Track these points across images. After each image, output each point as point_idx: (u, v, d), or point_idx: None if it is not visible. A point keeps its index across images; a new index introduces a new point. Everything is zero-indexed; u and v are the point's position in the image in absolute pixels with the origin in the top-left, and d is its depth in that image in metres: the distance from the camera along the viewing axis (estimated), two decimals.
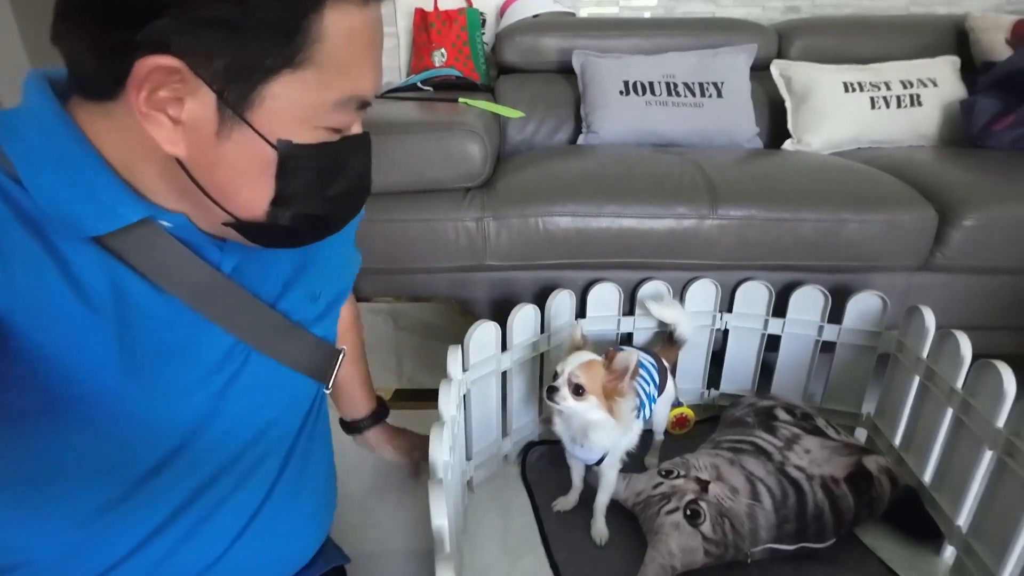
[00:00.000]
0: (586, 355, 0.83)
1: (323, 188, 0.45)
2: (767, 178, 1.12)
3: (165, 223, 0.45)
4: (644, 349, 1.02)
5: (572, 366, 0.81)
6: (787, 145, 1.49)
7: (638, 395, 0.90)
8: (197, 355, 0.48)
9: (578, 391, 0.80)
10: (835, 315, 1.08)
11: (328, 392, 0.65)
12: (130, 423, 0.45)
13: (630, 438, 0.91)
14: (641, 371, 0.95)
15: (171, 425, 0.48)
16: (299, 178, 0.43)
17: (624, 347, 1.00)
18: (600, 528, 0.91)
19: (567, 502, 0.97)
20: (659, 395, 0.99)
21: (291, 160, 0.42)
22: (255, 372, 0.53)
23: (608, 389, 0.80)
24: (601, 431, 0.83)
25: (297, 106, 0.40)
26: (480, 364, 0.94)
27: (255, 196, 0.43)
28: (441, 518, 0.56)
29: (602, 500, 0.91)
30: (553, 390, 0.80)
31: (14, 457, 0.42)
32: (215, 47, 0.37)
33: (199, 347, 0.49)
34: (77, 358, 0.41)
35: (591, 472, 0.94)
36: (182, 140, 0.39)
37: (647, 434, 1.03)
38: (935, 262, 1.09)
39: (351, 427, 0.93)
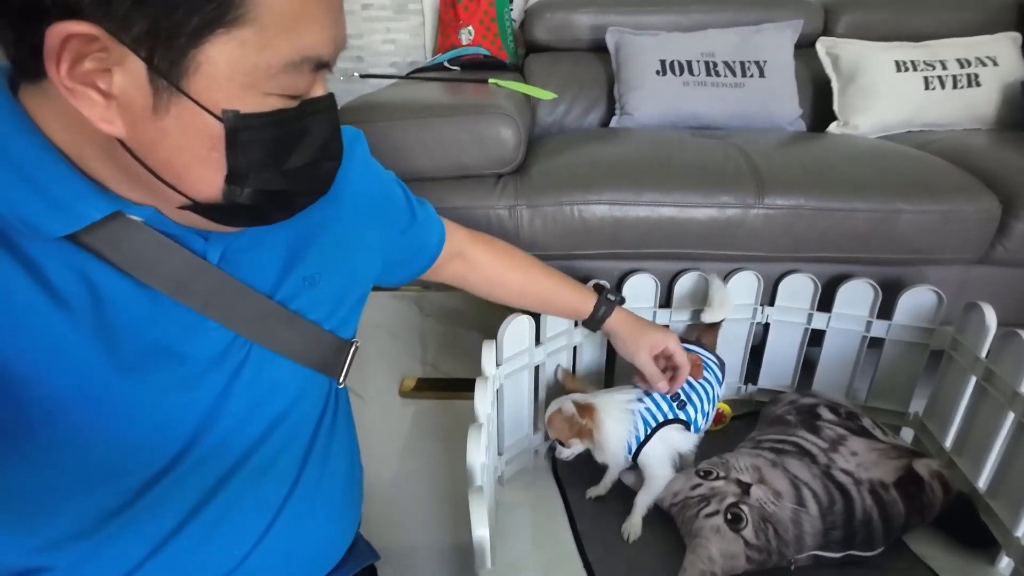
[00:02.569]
0: (551, 407, 0.89)
1: (282, 161, 0.41)
2: (816, 164, 1.06)
3: (136, 216, 0.42)
4: (697, 343, 0.98)
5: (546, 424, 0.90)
6: (833, 128, 1.42)
7: (689, 403, 0.90)
8: (192, 351, 0.46)
9: (560, 443, 0.88)
10: (883, 310, 1.03)
11: (341, 386, 0.63)
12: (130, 425, 0.43)
13: (676, 441, 0.88)
14: (706, 372, 0.93)
15: (174, 425, 0.46)
16: (252, 152, 0.39)
17: (685, 346, 0.95)
18: (634, 523, 0.88)
19: (600, 488, 0.96)
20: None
21: (240, 132, 0.38)
22: (258, 367, 0.50)
23: (579, 432, 0.86)
24: (597, 453, 0.88)
25: (238, 71, 0.36)
26: (513, 358, 0.91)
27: (207, 175, 0.39)
28: (483, 528, 0.54)
29: (642, 498, 0.89)
30: (553, 448, 0.91)
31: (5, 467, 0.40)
32: (132, 8, 0.33)
33: (192, 342, 0.46)
34: (57, 364, 0.39)
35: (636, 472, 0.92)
36: (117, 117, 0.36)
37: None
38: (995, 255, 1.03)
39: (593, 327, 0.88)
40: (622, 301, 0.87)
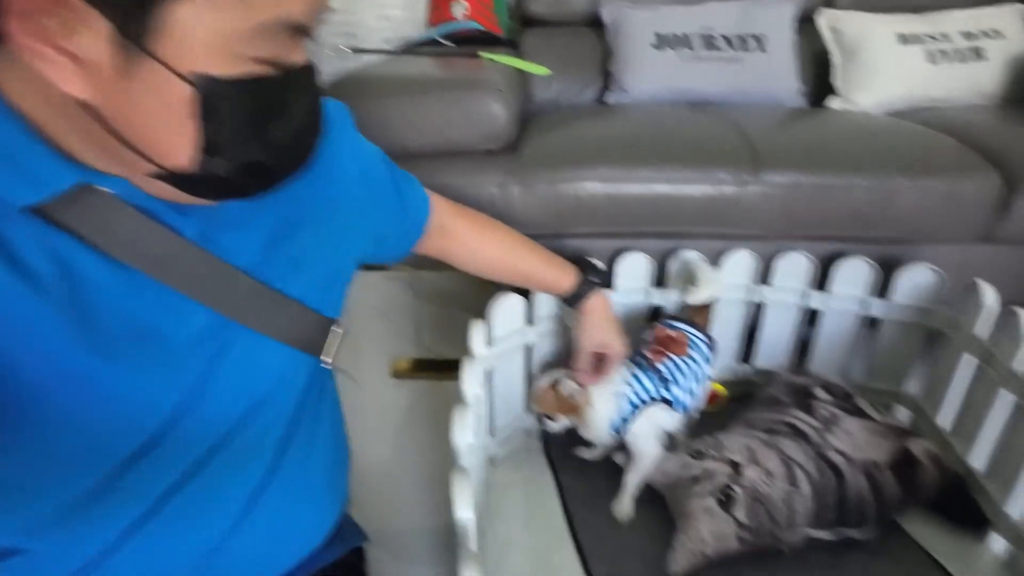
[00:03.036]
0: (543, 380, 0.89)
1: (260, 131, 0.39)
2: (815, 141, 1.03)
3: (106, 188, 0.40)
4: (686, 321, 0.96)
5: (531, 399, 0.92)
6: (833, 104, 1.38)
7: (674, 382, 0.89)
8: (170, 330, 0.45)
9: (548, 418, 0.89)
10: (880, 289, 1.01)
11: (327, 366, 0.61)
12: (108, 407, 0.42)
13: (662, 420, 0.87)
14: (691, 351, 0.91)
15: (154, 406, 0.45)
16: (228, 120, 0.37)
17: (669, 322, 0.95)
18: (624, 504, 0.88)
19: (590, 452, 0.97)
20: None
21: (214, 99, 0.36)
22: (241, 347, 0.49)
23: (567, 408, 0.86)
24: (584, 430, 0.88)
25: (210, 32, 0.34)
26: (505, 339, 0.89)
27: (179, 143, 0.37)
28: (466, 510, 0.53)
29: (631, 478, 0.88)
30: (540, 420, 0.91)
31: None
32: None
33: (172, 322, 0.45)
34: (31, 346, 0.37)
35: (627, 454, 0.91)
36: (83, 80, 0.34)
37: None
38: (997, 234, 1.01)
39: (571, 305, 0.87)
40: (606, 284, 0.86)
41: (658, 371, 0.89)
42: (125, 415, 0.44)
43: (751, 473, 0.81)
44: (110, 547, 0.45)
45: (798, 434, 0.89)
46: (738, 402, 1.10)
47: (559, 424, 0.89)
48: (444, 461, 0.62)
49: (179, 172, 0.39)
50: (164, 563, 0.47)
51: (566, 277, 0.84)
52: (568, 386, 0.85)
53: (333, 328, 0.60)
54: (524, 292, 0.91)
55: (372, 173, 0.64)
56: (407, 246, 0.74)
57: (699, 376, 0.92)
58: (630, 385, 0.87)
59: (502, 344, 0.89)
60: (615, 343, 0.86)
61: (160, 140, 0.37)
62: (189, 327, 0.46)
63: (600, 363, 0.88)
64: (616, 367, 0.87)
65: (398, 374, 1.25)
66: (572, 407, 0.86)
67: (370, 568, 0.80)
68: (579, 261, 0.86)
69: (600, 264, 0.86)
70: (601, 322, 0.85)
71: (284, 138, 0.41)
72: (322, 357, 0.59)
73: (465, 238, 0.80)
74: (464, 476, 0.55)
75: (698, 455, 0.86)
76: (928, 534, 0.85)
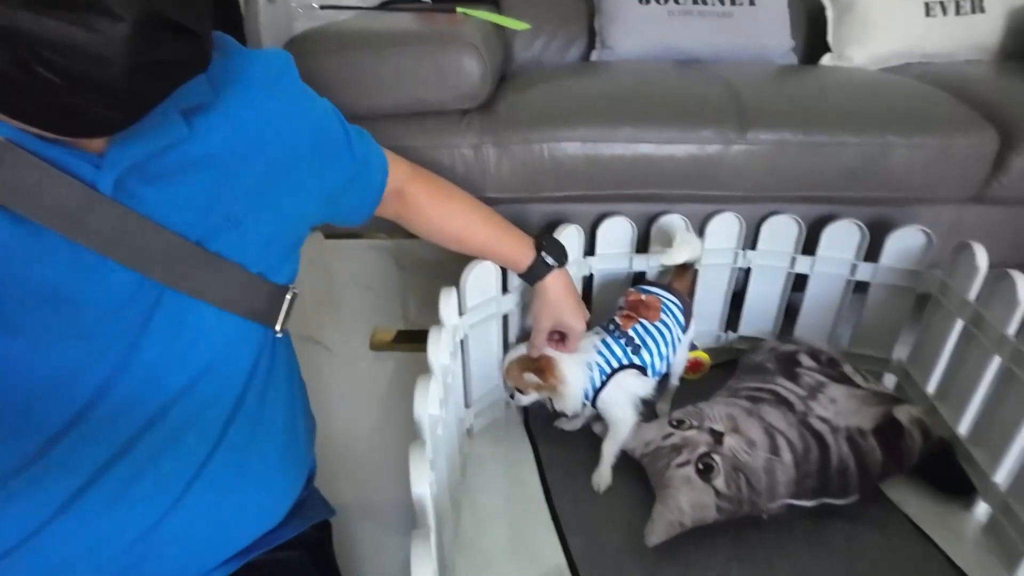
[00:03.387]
0: (512, 354, 0.87)
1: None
2: (805, 98, 0.98)
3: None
4: (663, 286, 0.93)
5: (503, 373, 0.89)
6: (826, 60, 1.33)
7: (644, 347, 0.86)
8: (88, 296, 0.41)
9: (519, 391, 0.87)
10: (870, 252, 0.98)
11: (279, 335, 0.57)
12: (22, 382, 0.38)
13: (633, 387, 0.85)
14: (664, 315, 0.89)
15: (75, 378, 0.42)
16: None
17: (643, 288, 0.92)
18: (603, 473, 0.86)
19: (569, 423, 0.95)
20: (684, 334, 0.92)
21: None
22: (173, 313, 0.45)
23: (539, 383, 0.83)
24: (557, 401, 0.86)
25: None
26: (479, 307, 0.86)
27: None
28: (422, 486, 0.50)
29: (608, 447, 0.87)
30: (511, 395, 0.89)
31: None
32: None
33: (89, 287, 0.41)
34: None
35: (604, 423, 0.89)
36: None
37: (661, 380, 0.96)
38: (990, 193, 0.97)
39: (528, 281, 0.83)
40: (562, 263, 0.81)
41: (628, 337, 0.86)
42: (43, 390, 0.41)
43: (732, 442, 0.79)
44: (42, 525, 0.42)
45: (781, 402, 0.87)
46: (722, 369, 1.08)
47: (529, 397, 0.87)
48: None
49: None
50: (101, 541, 0.44)
51: (523, 255, 0.80)
52: (530, 378, 0.83)
53: (287, 296, 0.57)
54: None
55: (322, 129, 0.59)
56: (365, 210, 0.70)
57: (673, 342, 0.89)
58: (600, 353, 0.84)
59: (476, 313, 0.86)
60: (573, 323, 0.82)
61: None
62: (111, 293, 0.42)
63: (562, 339, 0.85)
64: (578, 344, 0.84)
65: (377, 346, 1.22)
66: (543, 383, 0.83)
67: (348, 539, 0.78)
68: (541, 236, 0.81)
69: (556, 242, 0.82)
70: (558, 302, 0.81)
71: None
72: (273, 326, 0.56)
73: (423, 208, 0.75)
74: (421, 450, 0.52)
75: (679, 424, 0.84)
76: (911, 501, 0.84)
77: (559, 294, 0.81)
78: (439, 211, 0.77)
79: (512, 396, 0.89)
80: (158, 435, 0.47)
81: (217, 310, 0.49)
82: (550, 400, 0.87)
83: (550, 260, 0.80)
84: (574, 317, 0.82)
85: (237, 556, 0.54)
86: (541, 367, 0.83)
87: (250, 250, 0.51)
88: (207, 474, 0.49)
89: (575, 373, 0.83)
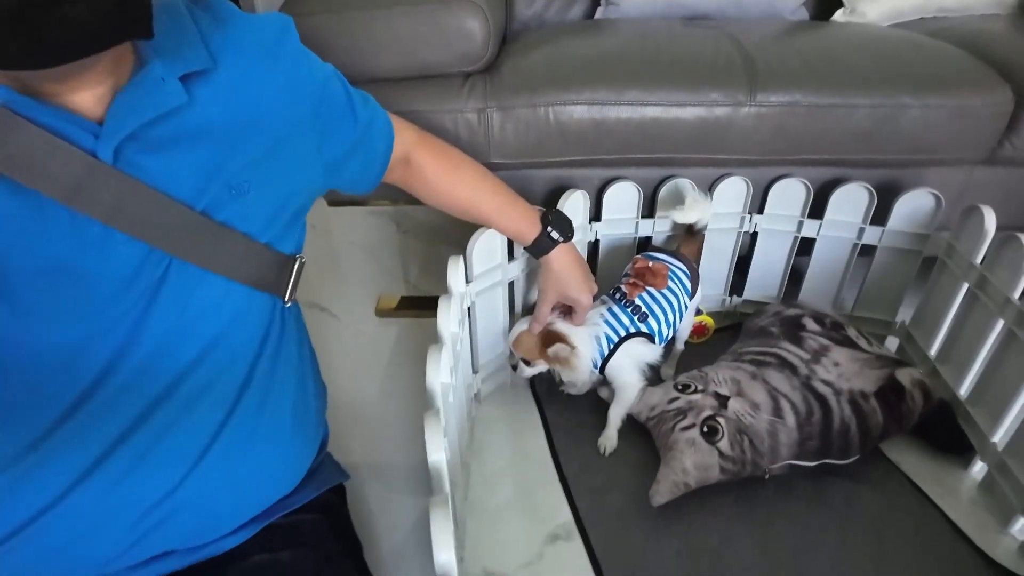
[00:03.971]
0: (518, 326, 0.87)
1: None
2: (816, 57, 0.96)
3: None
4: (670, 252, 0.93)
5: (509, 344, 0.89)
6: (838, 16, 1.29)
7: (651, 315, 0.87)
8: (96, 269, 0.41)
9: (526, 362, 0.87)
10: (876, 215, 0.97)
11: (287, 305, 0.58)
12: (33, 358, 0.39)
13: (640, 353, 0.85)
14: (671, 282, 0.89)
15: (87, 352, 0.42)
16: None
17: (650, 254, 0.92)
18: (609, 436, 0.88)
19: (576, 388, 0.96)
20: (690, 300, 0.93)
21: None
22: (181, 284, 0.45)
23: (548, 358, 0.84)
24: (565, 374, 0.87)
25: None
26: (485, 275, 0.86)
27: None
28: (438, 452, 0.51)
29: (614, 411, 0.88)
30: (514, 367, 0.89)
31: None
32: None
33: (97, 259, 0.41)
34: None
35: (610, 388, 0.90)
36: None
37: (666, 344, 0.97)
38: (1002, 154, 0.95)
39: (536, 256, 0.82)
40: (568, 237, 0.80)
41: (635, 305, 0.86)
42: (55, 364, 0.42)
43: (736, 405, 0.81)
44: (60, 495, 0.43)
45: (785, 365, 0.88)
46: (726, 333, 1.09)
47: (533, 369, 0.87)
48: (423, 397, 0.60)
49: None
50: (120, 509, 0.45)
51: (529, 228, 0.79)
52: (559, 350, 0.82)
53: (294, 265, 0.57)
54: None
55: (325, 94, 0.58)
56: (372, 176, 0.69)
57: (679, 308, 0.89)
58: (607, 323, 0.85)
59: (482, 280, 0.86)
60: (580, 297, 0.82)
61: None
62: (119, 265, 0.42)
63: (568, 312, 0.85)
64: (585, 317, 0.84)
65: (382, 312, 1.23)
66: (557, 360, 0.84)
67: (359, 502, 0.81)
68: (547, 210, 0.80)
69: (562, 216, 0.80)
70: (564, 276, 0.81)
71: None
72: (282, 295, 0.56)
73: (430, 176, 0.74)
74: (436, 418, 0.53)
75: (684, 389, 0.85)
76: (910, 460, 0.86)
77: (565, 268, 0.81)
78: (446, 180, 0.75)
79: (516, 368, 0.89)
80: (172, 405, 0.47)
81: (226, 281, 0.49)
82: (556, 373, 0.88)
83: (555, 235, 0.79)
84: (581, 291, 0.82)
85: (256, 520, 0.56)
86: (555, 340, 0.82)
87: (256, 220, 0.51)
88: (222, 441, 0.50)
89: (584, 346, 0.83)
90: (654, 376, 0.96)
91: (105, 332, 0.44)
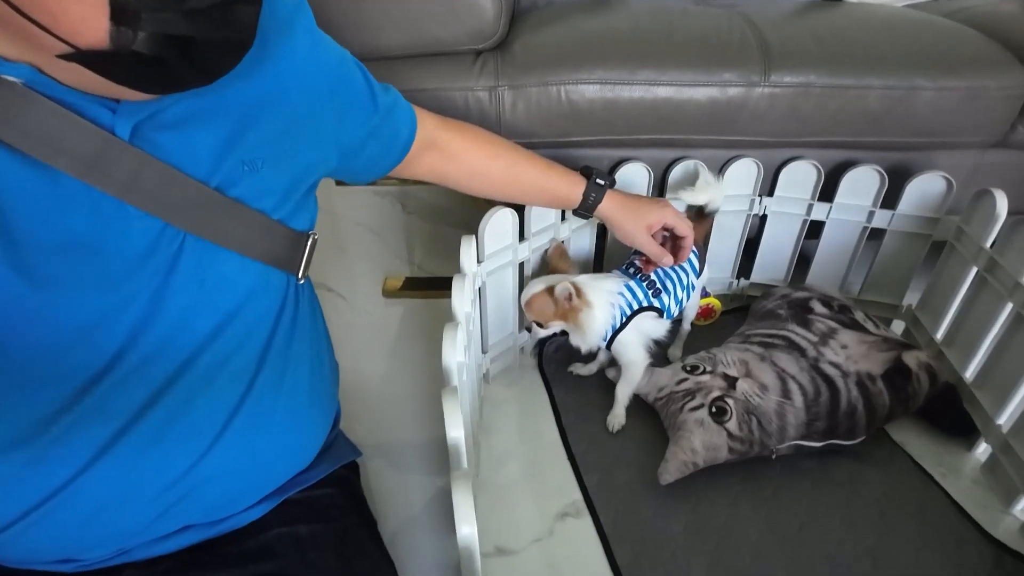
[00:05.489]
0: (534, 287, 0.85)
1: None
2: (831, 37, 0.95)
3: (12, 77, 0.35)
4: None
5: (522, 306, 0.87)
6: None
7: (664, 291, 0.87)
8: (113, 244, 0.41)
9: (540, 325, 0.85)
10: (886, 199, 0.97)
11: (301, 281, 0.58)
12: (51, 332, 0.39)
13: (648, 329, 0.86)
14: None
15: (105, 326, 0.42)
16: None
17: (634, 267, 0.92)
18: (617, 414, 0.89)
19: (585, 368, 0.98)
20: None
21: None
22: (197, 261, 0.46)
23: (563, 313, 0.83)
24: (576, 335, 0.86)
25: None
26: (496, 255, 0.86)
27: (87, 12, 0.32)
28: (457, 429, 0.52)
29: (622, 389, 0.89)
30: (528, 328, 0.88)
31: None
32: None
33: (113, 234, 0.41)
34: None
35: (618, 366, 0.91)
36: None
37: (673, 326, 0.98)
38: (1014, 138, 0.95)
39: (585, 214, 0.82)
40: (612, 183, 0.80)
41: (649, 280, 0.87)
42: (73, 339, 0.42)
43: (744, 386, 0.81)
44: (79, 470, 0.44)
45: (793, 347, 0.89)
46: (732, 315, 1.10)
47: (547, 330, 0.86)
48: (437, 376, 0.61)
49: (91, 50, 0.33)
50: (140, 483, 0.46)
51: (575, 187, 0.78)
52: (563, 288, 0.80)
53: (307, 242, 0.57)
54: (516, 206, 0.87)
55: (342, 77, 0.57)
56: (388, 163, 0.68)
57: (687, 287, 0.89)
58: (622, 294, 0.85)
59: (493, 260, 0.86)
60: (661, 215, 0.80)
61: (66, 10, 0.32)
62: (135, 240, 0.42)
63: (669, 240, 0.85)
64: (685, 228, 0.82)
65: (389, 293, 1.23)
66: (568, 313, 0.82)
67: (369, 480, 0.82)
68: (580, 170, 0.80)
69: (594, 168, 0.80)
70: (631, 213, 0.79)
71: (214, 8, 0.35)
72: (295, 272, 0.56)
73: (463, 155, 0.73)
74: (454, 396, 0.54)
75: (692, 370, 0.86)
76: (914, 441, 0.87)
77: (626, 206, 0.80)
78: (481, 156, 0.74)
79: (529, 330, 0.88)
80: (191, 380, 0.48)
81: (240, 257, 0.49)
82: (567, 334, 0.88)
83: (601, 181, 0.78)
84: (657, 208, 0.80)
85: (274, 494, 0.56)
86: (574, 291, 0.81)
87: (272, 198, 0.51)
88: (242, 415, 0.50)
89: (602, 307, 0.82)
90: (660, 353, 0.97)
91: (123, 307, 0.44)
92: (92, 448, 0.44)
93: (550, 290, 0.82)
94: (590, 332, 0.83)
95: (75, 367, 0.43)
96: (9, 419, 0.41)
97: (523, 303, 0.87)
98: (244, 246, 0.49)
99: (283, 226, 0.53)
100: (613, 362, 0.92)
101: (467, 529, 0.44)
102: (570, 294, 0.80)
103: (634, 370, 0.88)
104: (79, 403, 0.43)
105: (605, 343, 0.87)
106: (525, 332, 1.00)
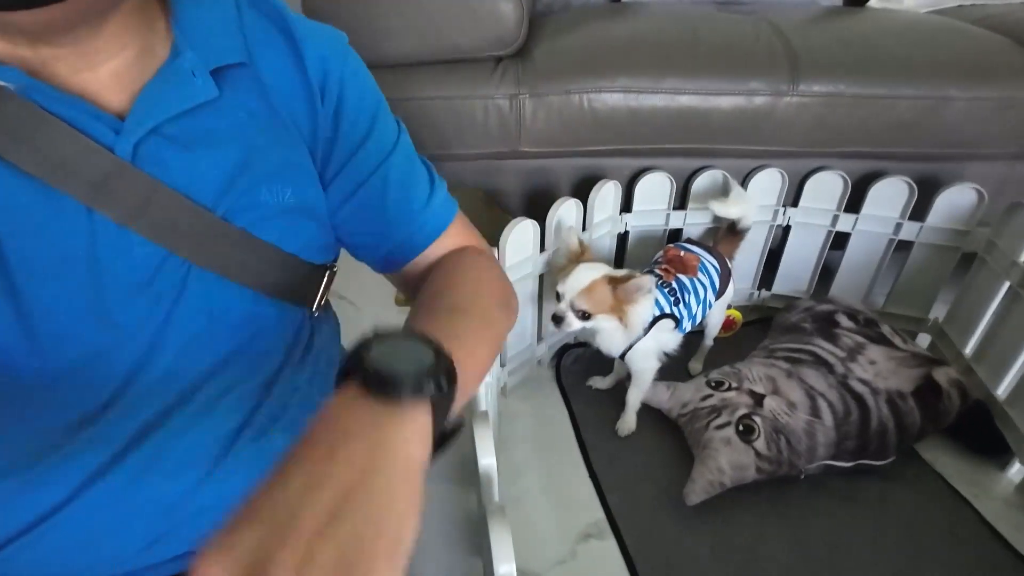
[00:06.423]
0: (587, 273, 0.78)
1: None
2: (859, 44, 0.92)
3: (7, 84, 0.32)
4: (705, 247, 0.91)
5: (573, 292, 0.77)
6: (873, 2, 1.25)
7: (685, 304, 0.85)
8: (112, 266, 0.39)
9: (584, 316, 0.78)
10: (914, 211, 0.95)
11: (315, 316, 0.55)
12: (40, 363, 0.37)
13: (664, 340, 0.84)
14: (700, 274, 0.87)
15: (106, 361, 0.40)
16: None
17: (682, 244, 0.90)
18: (627, 420, 0.88)
19: (603, 382, 0.97)
20: (717, 299, 0.90)
21: None
22: (201, 291, 0.43)
23: (616, 305, 0.78)
24: (607, 337, 0.82)
25: None
26: (516, 266, 0.84)
27: None
28: (489, 456, 0.49)
29: (632, 396, 0.88)
30: (558, 319, 0.79)
31: None
32: None
33: (112, 260, 0.39)
34: None
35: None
36: None
37: (694, 338, 0.96)
38: None
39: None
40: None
41: (671, 287, 0.84)
42: (74, 373, 0.40)
43: (772, 404, 0.79)
44: (71, 495, 0.42)
45: (821, 363, 0.87)
46: (752, 327, 1.08)
47: (579, 326, 0.79)
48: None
49: None
50: (132, 511, 0.44)
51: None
52: (645, 281, 0.75)
53: (324, 275, 0.54)
54: (540, 217, 0.85)
55: (372, 121, 0.54)
56: (406, 253, 0.56)
57: (704, 302, 0.87)
58: (655, 297, 0.82)
59: (514, 272, 0.84)
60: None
61: None
62: (135, 268, 0.40)
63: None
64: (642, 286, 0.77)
65: (402, 303, 1.21)
66: (626, 302, 0.77)
67: None
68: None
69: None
70: None
71: None
72: (308, 306, 0.54)
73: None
74: (485, 421, 0.52)
75: (717, 386, 0.84)
76: (944, 460, 0.85)
77: None
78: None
79: (561, 321, 0.79)
80: (189, 410, 0.46)
81: (246, 289, 0.47)
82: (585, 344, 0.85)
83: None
84: None
85: None
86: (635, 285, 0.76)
87: (279, 229, 0.49)
88: (239, 446, 0.48)
89: (648, 300, 0.79)
90: (679, 367, 0.95)
91: (123, 343, 0.42)
92: (84, 474, 0.42)
93: (611, 279, 0.77)
94: (632, 328, 0.79)
95: (72, 402, 0.41)
96: (6, 448, 0.39)
97: (573, 290, 0.77)
98: (254, 280, 0.47)
99: (297, 259, 0.50)
100: (629, 376, 0.90)
101: (505, 568, 0.42)
102: (649, 287, 0.75)
103: (646, 377, 0.86)
104: (76, 435, 0.41)
105: (620, 353, 0.85)
106: (543, 345, 0.98)
